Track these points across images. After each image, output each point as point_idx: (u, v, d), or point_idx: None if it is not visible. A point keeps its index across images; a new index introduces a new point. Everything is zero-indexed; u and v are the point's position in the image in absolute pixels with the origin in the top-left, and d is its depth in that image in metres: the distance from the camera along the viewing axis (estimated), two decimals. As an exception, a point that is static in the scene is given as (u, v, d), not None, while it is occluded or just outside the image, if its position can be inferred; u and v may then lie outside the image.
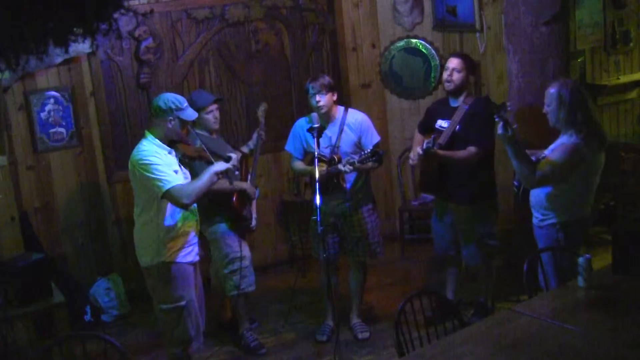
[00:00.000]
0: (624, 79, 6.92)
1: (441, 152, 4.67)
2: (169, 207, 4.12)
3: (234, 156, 4.37)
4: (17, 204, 5.16)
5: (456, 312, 3.81)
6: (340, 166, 4.63)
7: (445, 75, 4.81)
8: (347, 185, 4.85)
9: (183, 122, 4.17)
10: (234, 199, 4.87)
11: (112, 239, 5.97)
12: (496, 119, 4.08)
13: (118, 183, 5.81)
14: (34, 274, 4.38)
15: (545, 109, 4.24)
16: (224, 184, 4.66)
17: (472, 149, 4.68)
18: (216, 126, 4.96)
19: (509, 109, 4.13)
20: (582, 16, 6.60)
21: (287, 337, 5.26)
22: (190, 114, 4.20)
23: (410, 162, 4.95)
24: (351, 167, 4.61)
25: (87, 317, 5.56)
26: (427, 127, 4.99)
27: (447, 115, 4.81)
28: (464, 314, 4.40)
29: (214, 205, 4.84)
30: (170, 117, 4.10)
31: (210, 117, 4.90)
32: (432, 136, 4.72)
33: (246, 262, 4.95)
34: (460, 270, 5.17)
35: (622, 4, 6.82)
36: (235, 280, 4.94)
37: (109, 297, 5.74)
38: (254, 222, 5.04)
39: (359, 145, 4.82)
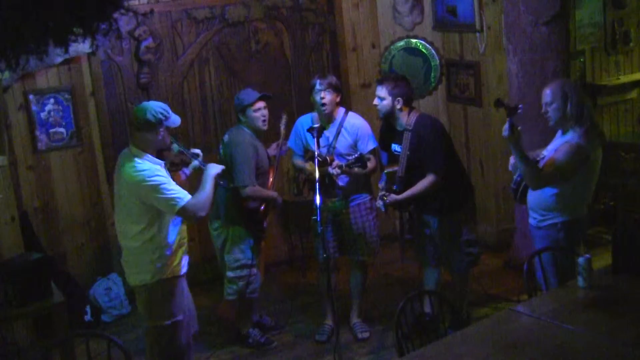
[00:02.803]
0: (624, 79, 6.92)
1: (401, 197, 4.64)
2: (170, 222, 4.06)
3: (199, 151, 4.30)
4: (17, 204, 5.16)
5: (456, 313, 3.81)
6: (329, 169, 4.65)
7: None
8: (341, 183, 4.85)
9: (169, 130, 4.06)
10: (262, 208, 4.87)
11: (112, 239, 5.95)
12: (508, 122, 4.01)
13: (118, 183, 5.80)
14: (34, 274, 4.38)
15: (545, 109, 4.21)
16: (260, 190, 4.77)
17: (430, 178, 4.63)
18: (264, 126, 4.86)
19: (519, 112, 4.08)
20: (582, 16, 6.60)
21: (287, 337, 5.26)
22: (175, 120, 4.07)
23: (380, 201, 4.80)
24: (339, 171, 4.62)
25: (87, 317, 5.56)
26: (385, 146, 4.93)
27: (397, 139, 4.76)
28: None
29: (244, 212, 4.84)
30: (160, 129, 3.97)
31: (258, 115, 4.81)
32: (385, 197, 4.65)
33: (254, 270, 4.96)
34: (438, 279, 5.04)
35: (622, 4, 6.82)
36: (240, 286, 4.94)
37: (109, 297, 5.74)
38: (264, 235, 5.06)
39: (355, 149, 4.83)
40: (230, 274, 4.96)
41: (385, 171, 4.83)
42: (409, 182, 4.69)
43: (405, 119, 4.70)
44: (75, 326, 5.19)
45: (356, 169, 4.61)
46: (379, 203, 4.70)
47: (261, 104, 4.85)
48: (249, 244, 4.91)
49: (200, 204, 3.98)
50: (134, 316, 5.75)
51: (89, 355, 3.53)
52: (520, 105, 4.13)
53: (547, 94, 4.20)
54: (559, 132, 4.32)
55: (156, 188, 3.90)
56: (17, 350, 4.73)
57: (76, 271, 5.77)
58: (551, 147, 4.31)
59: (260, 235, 4.97)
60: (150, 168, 3.95)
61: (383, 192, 4.70)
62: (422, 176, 4.66)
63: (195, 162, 4.27)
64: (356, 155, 4.57)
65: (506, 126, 4.01)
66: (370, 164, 4.73)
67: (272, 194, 4.93)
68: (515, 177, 4.40)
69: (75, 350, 4.31)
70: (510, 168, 4.50)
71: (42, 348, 4.55)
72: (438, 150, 4.68)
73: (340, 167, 4.62)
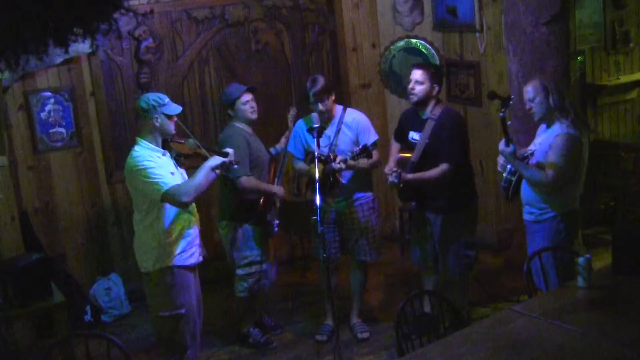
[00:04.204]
0: (624, 79, 6.92)
1: (411, 177, 4.59)
2: (169, 210, 4.08)
3: (231, 151, 4.35)
4: (17, 204, 5.16)
5: (457, 313, 3.81)
6: (334, 164, 4.64)
7: (408, 87, 4.71)
8: (343, 181, 4.84)
9: (169, 117, 4.11)
10: (261, 201, 4.88)
11: (112, 239, 5.97)
12: (501, 115, 4.16)
13: (118, 183, 5.80)
14: (34, 274, 4.38)
15: (529, 105, 4.29)
16: (257, 182, 4.78)
17: (443, 167, 4.61)
18: (254, 116, 4.90)
19: (511, 102, 4.19)
20: (582, 16, 6.60)
21: (287, 337, 5.26)
22: (174, 108, 4.14)
23: (388, 181, 4.74)
24: (344, 165, 4.61)
25: (87, 317, 5.56)
26: (401, 136, 4.92)
27: (418, 127, 4.74)
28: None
29: (242, 205, 4.85)
30: (155, 115, 4.05)
31: (247, 107, 4.86)
32: (398, 171, 4.58)
33: (264, 266, 4.96)
34: (437, 281, 5.00)
35: (622, 4, 6.82)
36: (250, 283, 4.95)
37: (109, 297, 5.74)
38: (275, 228, 5.03)
39: (356, 145, 4.81)
40: (239, 271, 4.97)
41: (399, 155, 4.80)
42: (421, 170, 4.67)
43: (432, 108, 4.69)
44: (75, 326, 5.18)
45: (361, 161, 4.60)
46: (392, 176, 4.59)
47: (249, 95, 4.89)
48: (256, 241, 4.92)
49: (183, 189, 4.00)
50: (134, 316, 5.76)
51: (89, 355, 3.53)
52: (512, 96, 4.27)
53: (528, 91, 4.28)
54: (543, 127, 4.38)
55: (143, 172, 3.98)
56: (17, 350, 4.73)
57: (76, 271, 5.77)
58: (538, 140, 4.37)
59: (267, 230, 4.96)
60: (143, 154, 4.03)
61: (395, 169, 4.65)
62: (435, 166, 4.64)
63: (225, 159, 4.28)
64: (360, 147, 4.57)
65: (502, 142, 4.20)
66: (373, 156, 4.73)
67: (271, 187, 4.93)
68: (505, 175, 4.44)
69: (75, 350, 4.31)
70: (499, 168, 4.54)
71: (42, 348, 4.54)
72: (457, 143, 4.67)
73: (344, 160, 4.60)
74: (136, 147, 4.09)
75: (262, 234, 4.95)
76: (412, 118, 4.82)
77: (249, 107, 4.88)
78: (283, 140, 5.18)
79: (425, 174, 4.64)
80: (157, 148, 4.10)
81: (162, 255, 4.10)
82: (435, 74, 4.69)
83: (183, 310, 4.18)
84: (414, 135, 4.77)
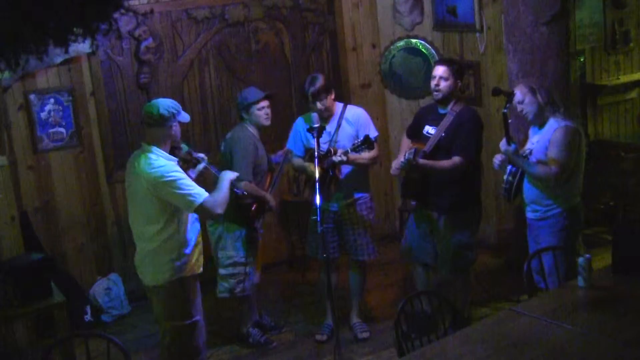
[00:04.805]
0: (624, 79, 6.93)
1: (423, 161, 4.58)
2: (188, 220, 4.07)
3: (202, 155, 4.35)
4: (17, 203, 5.16)
5: (457, 313, 3.82)
6: (334, 157, 4.64)
7: (432, 84, 4.69)
8: (342, 177, 4.85)
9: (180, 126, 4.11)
10: (253, 207, 4.88)
11: (112, 239, 5.96)
12: (504, 111, 4.26)
13: (118, 183, 5.80)
14: (34, 274, 4.38)
15: (520, 108, 4.35)
16: (255, 187, 4.79)
17: (456, 159, 4.59)
18: (267, 122, 4.94)
19: (514, 99, 4.30)
20: (582, 16, 6.60)
21: (287, 337, 5.26)
22: (185, 116, 4.13)
23: (392, 172, 4.80)
24: (345, 157, 4.61)
25: (87, 317, 5.56)
26: (415, 132, 4.90)
27: (434, 121, 4.73)
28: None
29: (239, 208, 4.84)
30: (173, 123, 4.02)
31: (262, 113, 4.89)
32: (414, 148, 4.62)
33: (248, 268, 4.95)
34: (430, 281, 5.01)
35: (622, 4, 6.82)
36: (231, 284, 4.94)
37: (109, 297, 5.74)
38: (259, 237, 5.04)
39: (357, 139, 4.80)
40: (222, 271, 4.97)
41: (411, 145, 4.78)
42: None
43: (453, 105, 4.70)
44: (75, 326, 5.19)
45: (362, 152, 4.60)
46: (407, 153, 4.58)
47: (265, 102, 4.91)
48: (242, 242, 4.92)
49: (218, 201, 4.03)
50: (134, 316, 5.76)
51: (89, 355, 3.53)
52: (515, 91, 4.36)
53: (516, 95, 4.35)
54: (534, 129, 4.41)
55: (174, 184, 3.92)
56: (17, 350, 4.73)
57: (76, 271, 5.77)
58: (535, 139, 4.40)
59: (253, 235, 4.97)
60: (167, 164, 3.97)
61: (409, 151, 4.65)
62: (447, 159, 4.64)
63: (201, 166, 4.29)
64: (361, 138, 4.57)
65: (503, 141, 4.30)
66: (373, 151, 4.73)
67: (266, 194, 4.93)
68: (505, 176, 4.45)
69: (75, 350, 4.31)
70: (495, 167, 4.54)
71: (42, 348, 4.54)
72: (473, 138, 4.67)
73: (345, 153, 4.61)
74: (151, 155, 3.97)
75: (250, 237, 4.95)
76: (430, 112, 4.83)
77: (264, 113, 4.90)
78: (280, 153, 5.17)
79: (437, 163, 4.63)
80: (170, 156, 4.05)
81: (182, 266, 4.07)
82: (458, 69, 4.73)
83: (198, 317, 4.21)
84: (429, 129, 4.76)
